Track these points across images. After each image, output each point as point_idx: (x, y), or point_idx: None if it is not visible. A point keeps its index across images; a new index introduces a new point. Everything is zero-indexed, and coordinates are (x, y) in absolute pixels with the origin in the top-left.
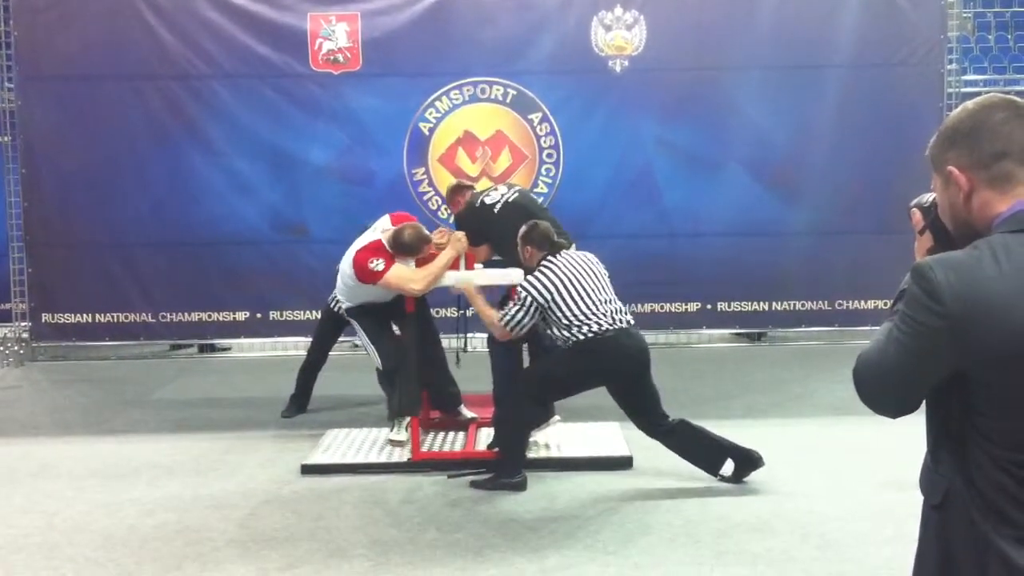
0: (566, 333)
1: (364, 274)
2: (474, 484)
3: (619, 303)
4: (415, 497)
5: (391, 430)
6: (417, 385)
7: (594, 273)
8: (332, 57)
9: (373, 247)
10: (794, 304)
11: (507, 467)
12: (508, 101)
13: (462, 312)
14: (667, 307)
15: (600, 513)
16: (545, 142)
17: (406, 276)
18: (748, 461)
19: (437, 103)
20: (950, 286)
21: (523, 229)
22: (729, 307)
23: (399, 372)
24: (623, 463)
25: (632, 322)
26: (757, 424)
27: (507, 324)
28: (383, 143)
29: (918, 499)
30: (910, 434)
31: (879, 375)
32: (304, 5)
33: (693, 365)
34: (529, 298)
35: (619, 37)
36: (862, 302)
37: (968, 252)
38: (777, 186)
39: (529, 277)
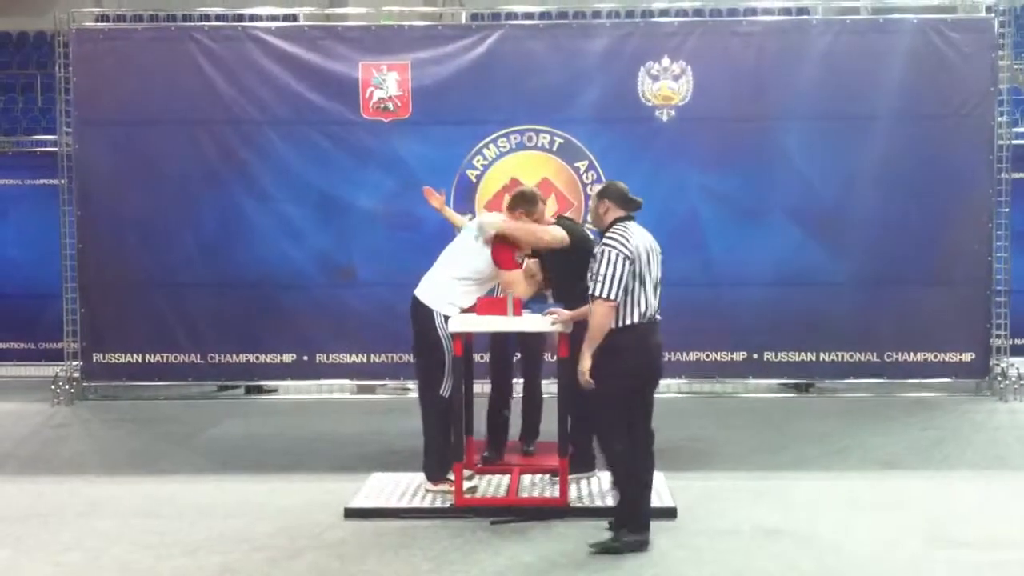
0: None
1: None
2: (598, 548)
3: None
4: (458, 544)
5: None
6: (461, 431)
7: (655, 255)
8: (383, 105)
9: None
10: (842, 355)
11: (635, 523)
12: (555, 149)
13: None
14: (712, 356)
15: (643, 564)
16: (591, 190)
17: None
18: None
19: (484, 150)
20: None
21: (602, 185)
22: (776, 357)
23: (440, 421)
24: (667, 513)
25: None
26: (803, 476)
27: (605, 292)
28: None
29: (964, 556)
30: (958, 491)
31: None
32: (356, 54)
33: (739, 416)
34: (614, 252)
35: (666, 87)
36: (911, 354)
37: None
38: (824, 236)
39: (610, 235)
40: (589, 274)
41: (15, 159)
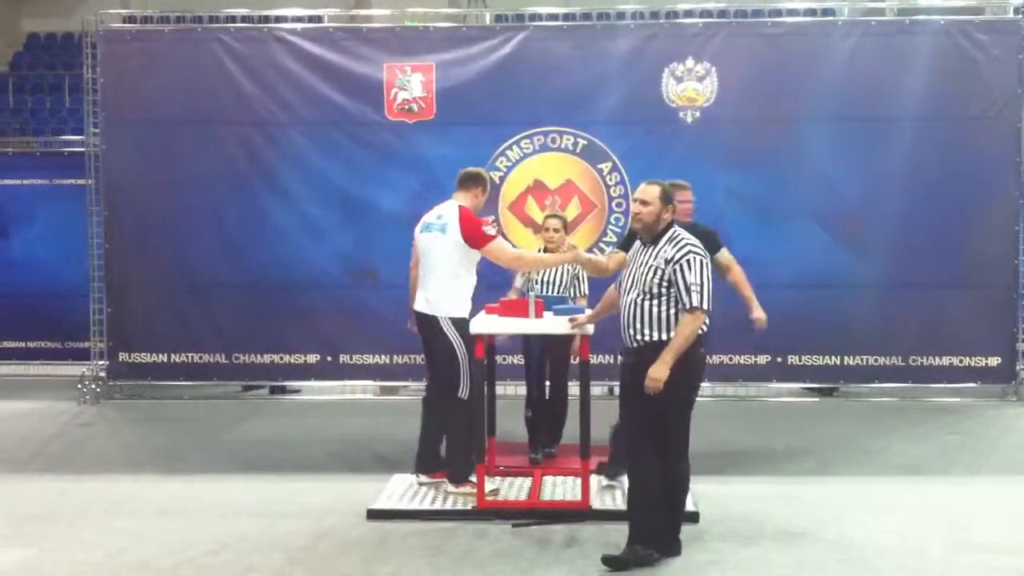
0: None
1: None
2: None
3: None
4: (479, 546)
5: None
6: (482, 432)
7: None
8: (407, 106)
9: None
10: (867, 359)
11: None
12: (578, 151)
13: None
14: (736, 359)
15: (666, 569)
16: (615, 192)
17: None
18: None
19: (508, 152)
20: None
21: (661, 188)
22: (800, 360)
23: (461, 424)
24: (690, 518)
25: None
26: (827, 481)
27: (706, 304)
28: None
29: (989, 560)
30: (984, 495)
31: None
32: (381, 56)
33: (762, 419)
34: (700, 259)
35: (690, 88)
36: (937, 358)
37: None
38: (849, 238)
39: (690, 242)
40: (655, 279)
41: (43, 159)
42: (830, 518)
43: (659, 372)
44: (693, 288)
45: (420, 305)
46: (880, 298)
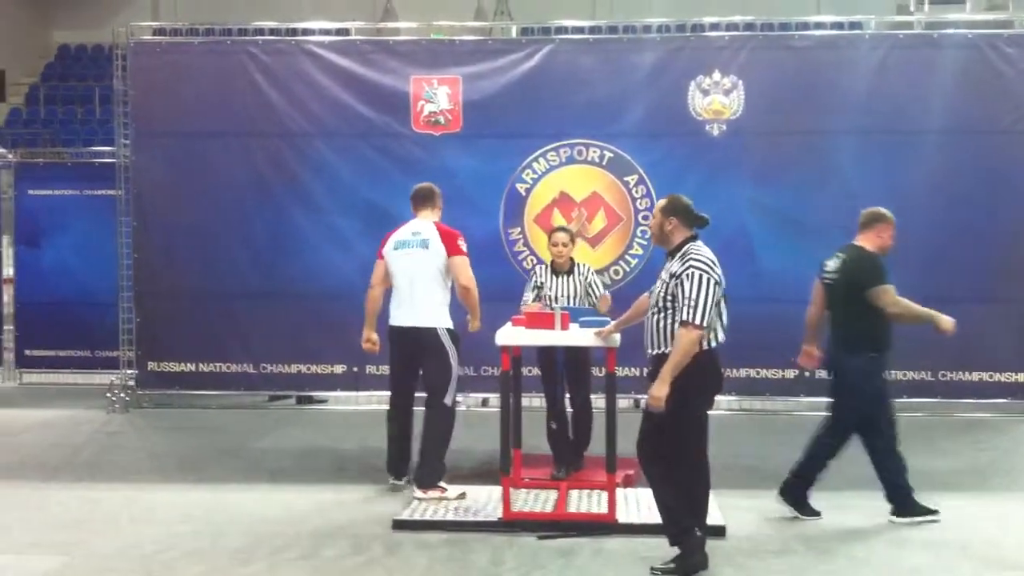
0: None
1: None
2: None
3: None
4: (505, 557)
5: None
6: (508, 443)
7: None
8: (434, 119)
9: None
10: (895, 374)
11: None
12: (604, 163)
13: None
14: (763, 373)
15: None
16: (641, 204)
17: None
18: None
19: (534, 164)
20: None
21: (667, 200)
22: (828, 375)
23: (442, 431)
24: (716, 532)
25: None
26: (856, 496)
27: (698, 319)
28: (480, 203)
29: None
30: (1016, 512)
31: None
32: (407, 68)
33: (789, 434)
34: (699, 274)
35: (717, 102)
36: (966, 373)
37: None
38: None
39: (695, 257)
40: (663, 293)
41: (74, 170)
42: (858, 534)
43: (658, 390)
44: (688, 303)
45: (409, 320)
46: None
